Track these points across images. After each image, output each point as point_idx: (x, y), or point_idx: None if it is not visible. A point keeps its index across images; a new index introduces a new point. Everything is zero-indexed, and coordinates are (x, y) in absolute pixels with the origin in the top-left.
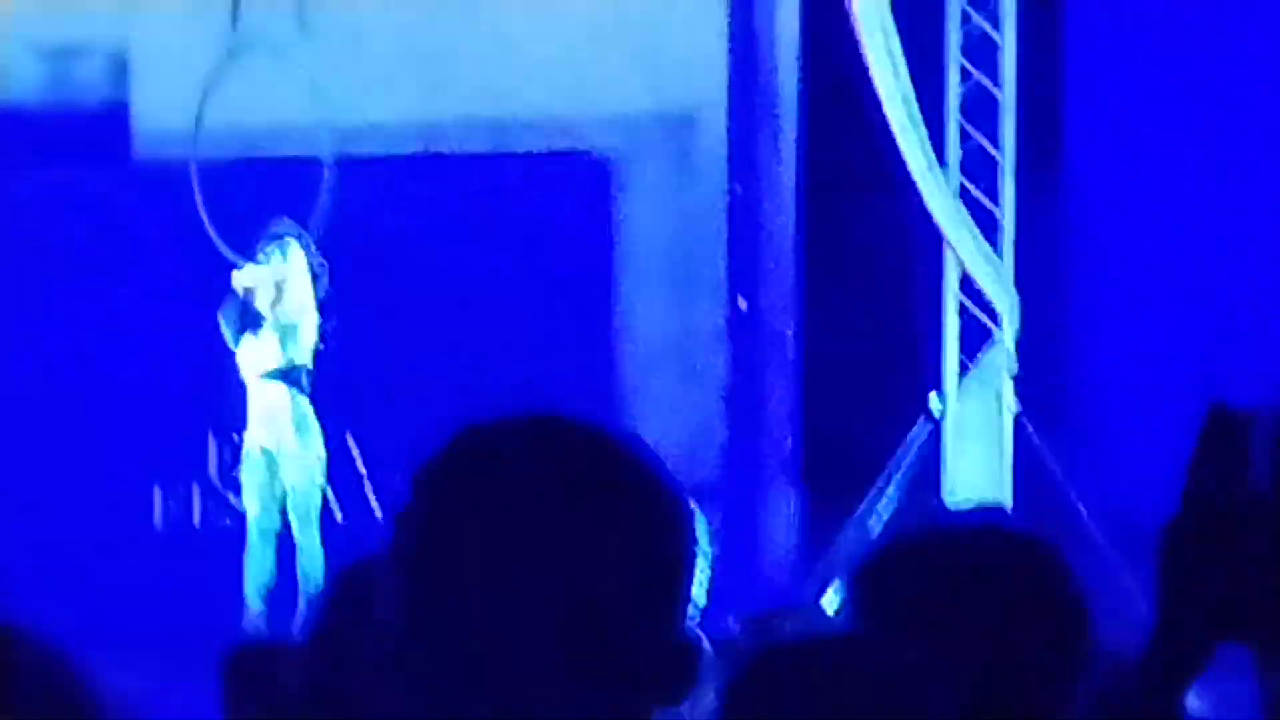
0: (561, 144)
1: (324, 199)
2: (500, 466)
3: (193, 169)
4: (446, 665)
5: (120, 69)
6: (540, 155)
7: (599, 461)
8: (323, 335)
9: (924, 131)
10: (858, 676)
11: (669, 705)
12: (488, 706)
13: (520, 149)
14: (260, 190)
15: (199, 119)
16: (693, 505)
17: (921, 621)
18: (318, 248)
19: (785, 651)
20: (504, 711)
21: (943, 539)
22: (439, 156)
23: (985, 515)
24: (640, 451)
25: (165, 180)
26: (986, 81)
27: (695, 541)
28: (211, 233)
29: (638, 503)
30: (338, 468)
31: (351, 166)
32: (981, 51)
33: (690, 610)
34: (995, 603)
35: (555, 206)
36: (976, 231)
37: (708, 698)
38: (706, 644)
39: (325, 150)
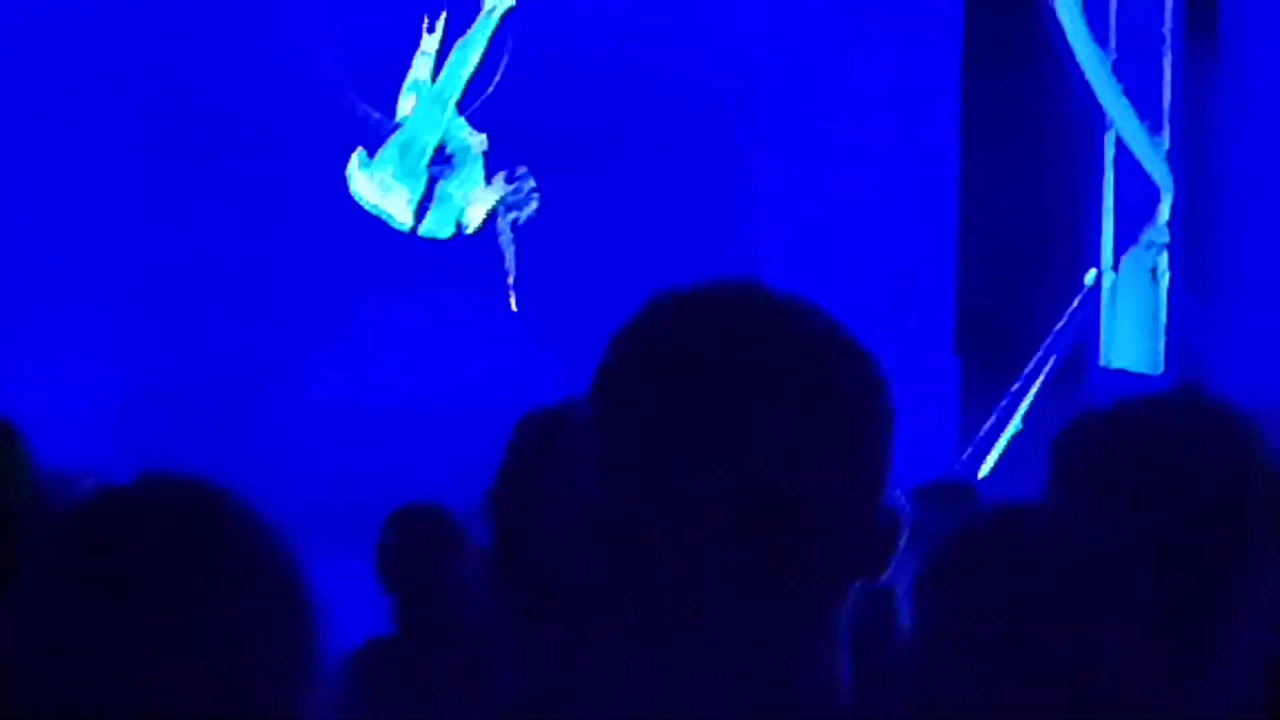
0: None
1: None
2: (698, 333)
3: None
4: (641, 529)
5: None
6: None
7: (795, 329)
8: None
9: (1083, 5)
10: (1058, 548)
11: (871, 578)
12: (682, 572)
13: None
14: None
15: None
16: (882, 375)
17: (1118, 492)
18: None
19: (985, 523)
20: (698, 579)
21: (1141, 410)
22: None
23: (1181, 388)
24: (834, 320)
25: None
26: None
27: (891, 410)
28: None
29: (835, 371)
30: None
31: None
32: None
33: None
34: (1193, 475)
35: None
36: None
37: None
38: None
39: None
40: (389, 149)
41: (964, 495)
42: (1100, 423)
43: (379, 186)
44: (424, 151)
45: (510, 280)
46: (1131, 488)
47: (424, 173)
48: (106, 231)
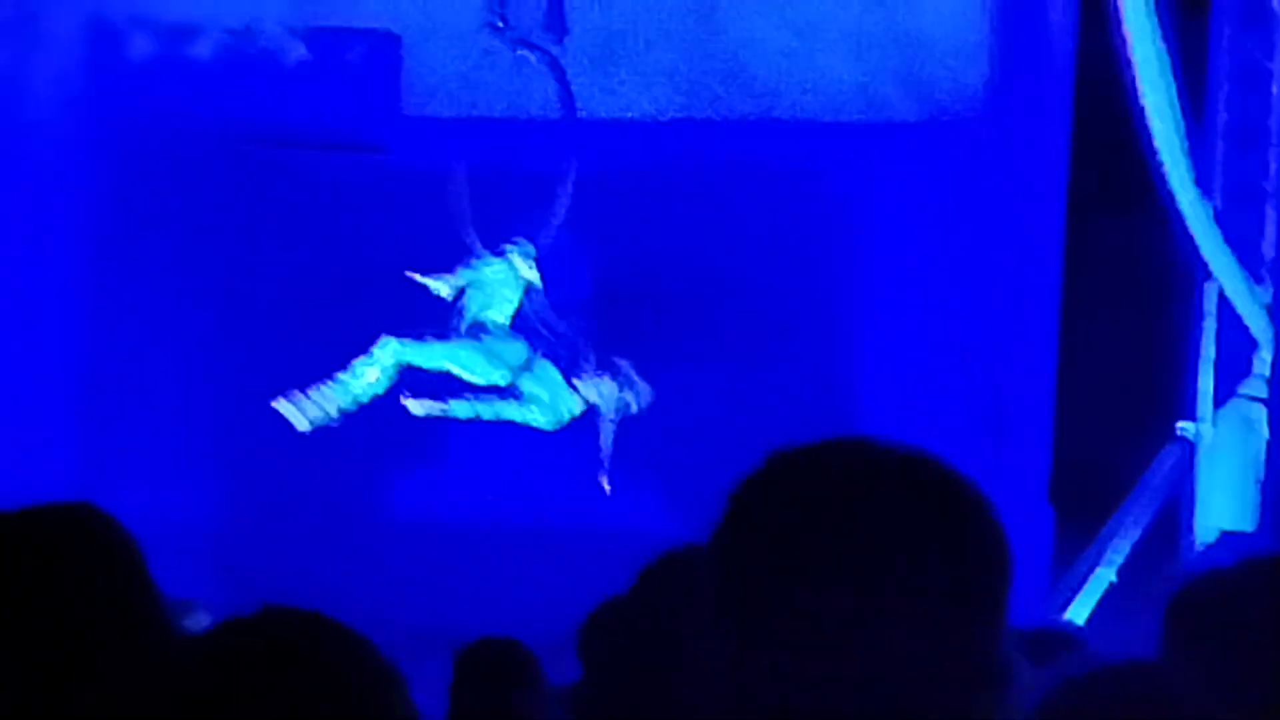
0: (823, 155)
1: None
2: (817, 490)
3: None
4: (768, 668)
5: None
6: (805, 169)
7: (917, 480)
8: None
9: (1188, 156)
10: (1170, 709)
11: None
12: (808, 708)
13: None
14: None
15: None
16: (1006, 537)
17: (1236, 655)
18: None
19: (1102, 684)
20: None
21: (1262, 572)
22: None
23: None
24: (956, 475)
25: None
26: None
27: (1011, 561)
28: (469, 232)
29: (959, 522)
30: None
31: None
32: (1252, 80)
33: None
34: None
35: (806, 222)
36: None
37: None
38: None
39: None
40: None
41: (1071, 645)
42: (1219, 585)
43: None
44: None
45: (605, 461)
46: (1254, 652)
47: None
48: (204, 355)
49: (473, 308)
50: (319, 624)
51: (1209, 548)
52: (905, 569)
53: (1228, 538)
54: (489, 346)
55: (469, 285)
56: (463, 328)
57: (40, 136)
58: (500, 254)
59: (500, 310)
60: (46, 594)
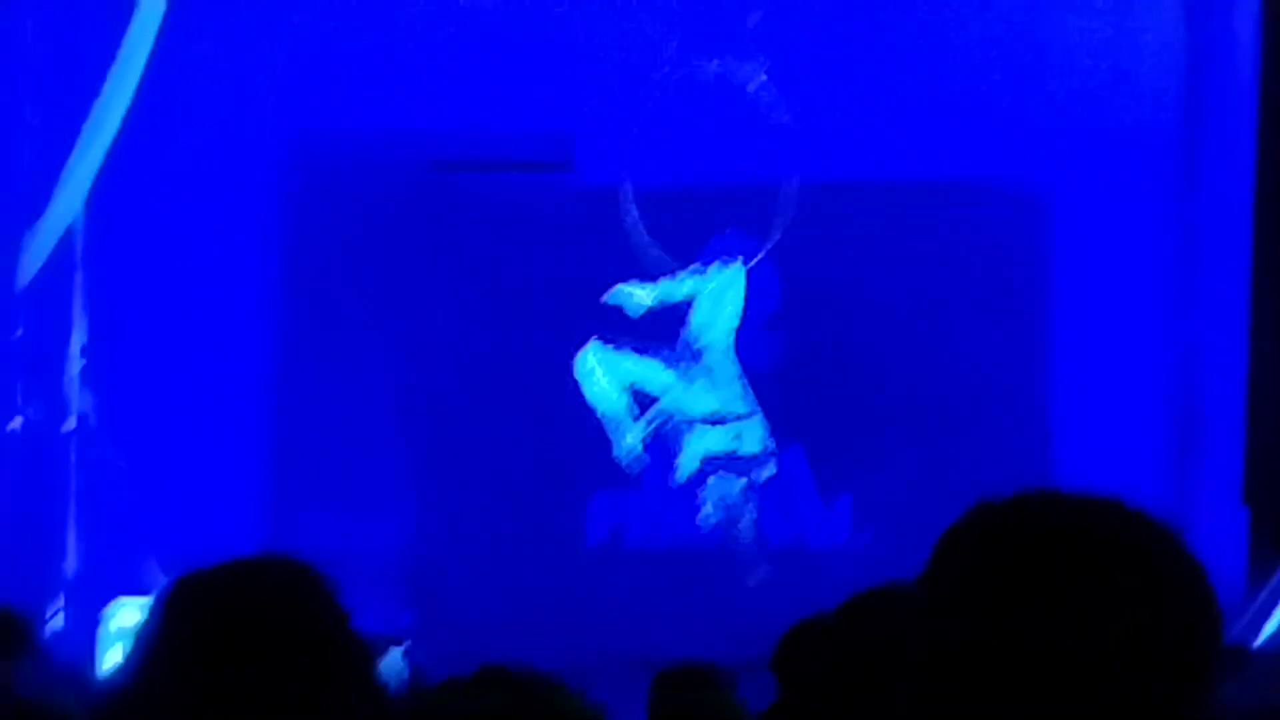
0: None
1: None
2: (1022, 550)
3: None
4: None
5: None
6: (977, 185)
7: (1128, 538)
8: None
9: None
10: None
11: None
12: None
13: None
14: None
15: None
16: (1212, 588)
17: None
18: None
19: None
20: None
21: None
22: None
23: None
24: (1163, 528)
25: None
26: None
27: (1220, 619)
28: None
29: (1169, 581)
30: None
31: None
32: None
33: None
34: None
35: (994, 237)
36: None
37: None
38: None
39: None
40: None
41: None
42: None
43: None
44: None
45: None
46: None
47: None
48: (393, 383)
49: (699, 321)
50: (538, 683)
51: None
52: (1113, 628)
53: None
54: (713, 382)
55: (696, 295)
56: (693, 344)
57: (233, 162)
58: (726, 264)
59: (726, 326)
60: (255, 653)
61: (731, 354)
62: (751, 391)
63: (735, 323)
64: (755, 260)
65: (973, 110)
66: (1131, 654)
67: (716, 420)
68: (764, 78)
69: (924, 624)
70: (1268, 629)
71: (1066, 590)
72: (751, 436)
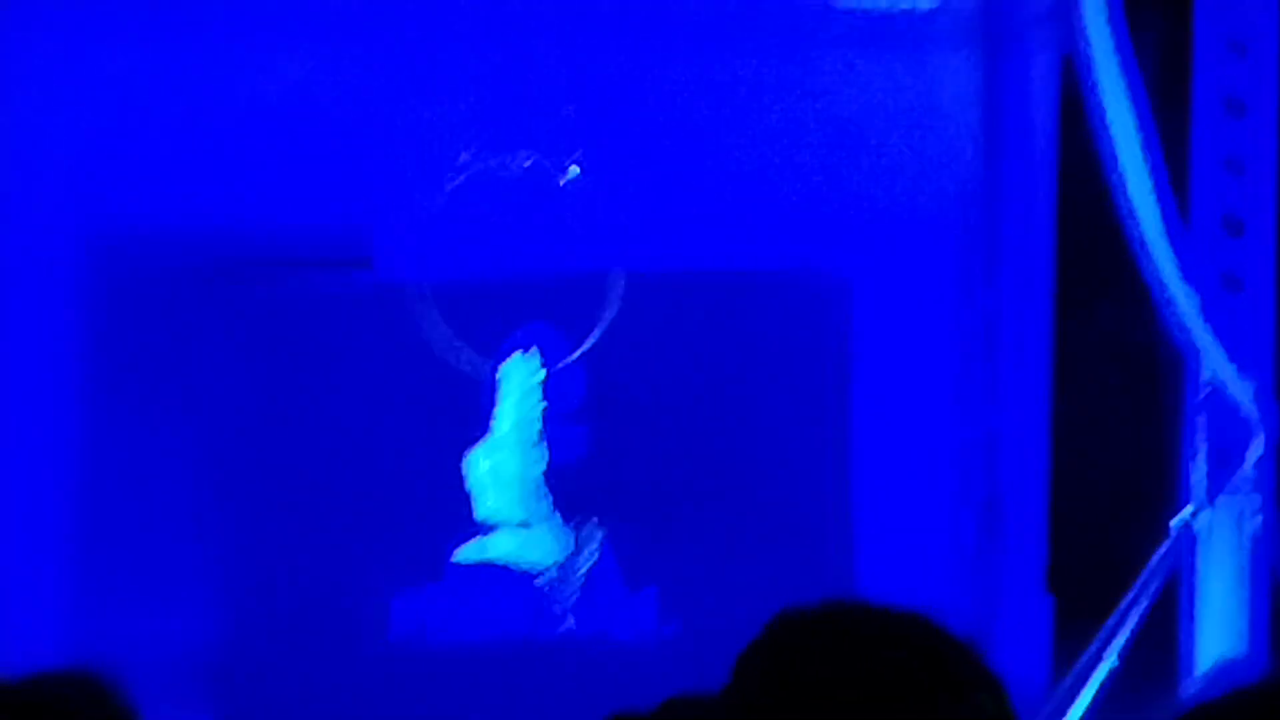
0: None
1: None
2: (824, 657)
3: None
4: None
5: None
6: (777, 273)
7: (909, 658)
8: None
9: (1174, 247)
10: None
11: None
12: None
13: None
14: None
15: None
16: (1009, 700)
17: None
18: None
19: None
20: None
21: (1259, 705)
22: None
23: None
24: (962, 642)
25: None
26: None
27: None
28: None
29: (962, 687)
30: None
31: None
32: (1235, 168)
33: None
34: None
35: (793, 326)
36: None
37: None
38: None
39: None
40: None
41: None
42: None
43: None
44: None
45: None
46: None
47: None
48: (202, 477)
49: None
50: None
51: (1207, 678)
52: None
53: (1224, 664)
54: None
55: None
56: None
57: (26, 263)
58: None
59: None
60: None
61: (518, 453)
62: (544, 497)
63: (517, 419)
64: (573, 356)
65: (777, 200)
66: None
67: (494, 524)
68: (576, 170)
69: None
70: (1075, 715)
71: (865, 709)
72: (538, 546)
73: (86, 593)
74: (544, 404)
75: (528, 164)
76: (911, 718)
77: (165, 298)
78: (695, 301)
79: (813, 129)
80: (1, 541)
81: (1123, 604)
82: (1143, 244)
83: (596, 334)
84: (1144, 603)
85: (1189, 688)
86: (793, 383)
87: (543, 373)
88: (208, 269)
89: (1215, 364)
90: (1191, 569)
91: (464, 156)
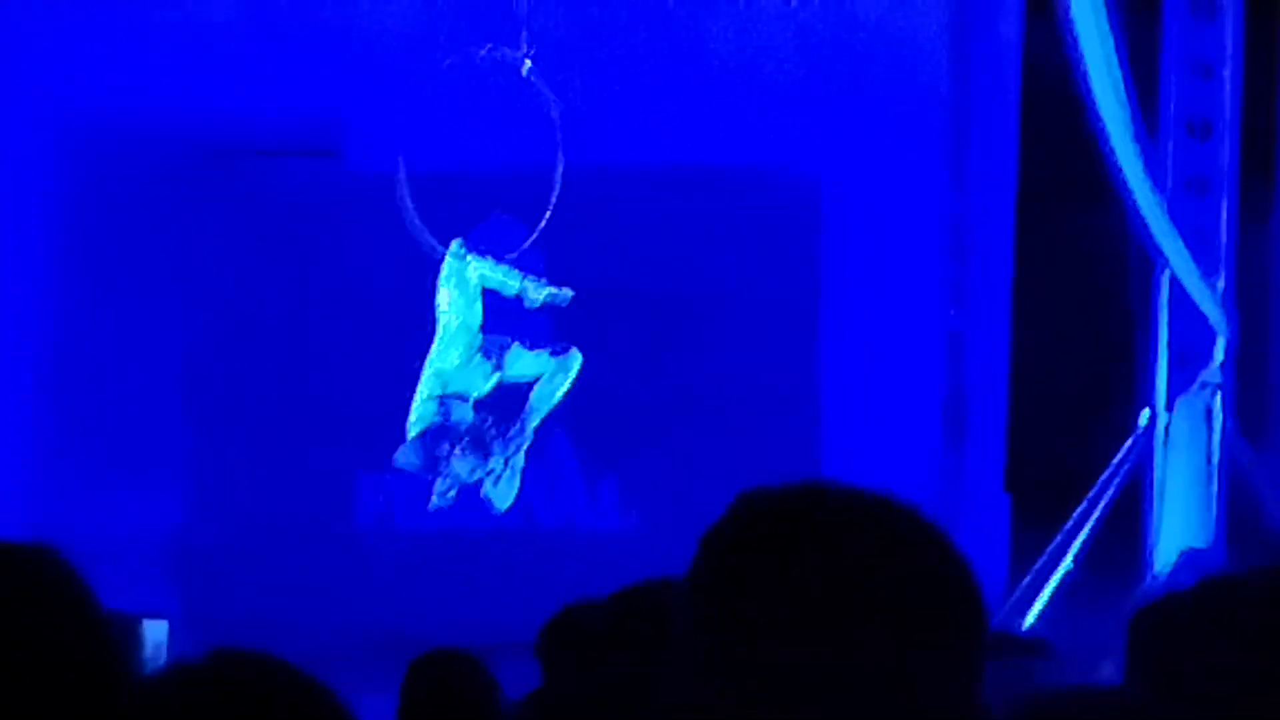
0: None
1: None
2: (788, 541)
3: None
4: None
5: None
6: (748, 171)
7: (884, 534)
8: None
9: (1140, 149)
10: None
11: None
12: None
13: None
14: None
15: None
16: (972, 573)
17: (1206, 683)
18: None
19: (1058, 703)
20: None
21: (1231, 596)
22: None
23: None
24: (926, 522)
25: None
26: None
27: (984, 611)
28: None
29: (930, 573)
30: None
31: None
32: (1202, 71)
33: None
34: None
35: (763, 225)
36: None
37: None
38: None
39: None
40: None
41: (1035, 651)
42: (1183, 609)
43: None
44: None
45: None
46: (1215, 677)
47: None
48: (167, 363)
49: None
50: (272, 668)
51: (1173, 567)
52: (878, 619)
53: (1189, 554)
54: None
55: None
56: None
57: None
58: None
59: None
60: None
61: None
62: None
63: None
64: (522, 246)
65: (744, 96)
66: (897, 647)
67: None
68: (530, 64)
69: (689, 619)
70: (1029, 616)
71: (830, 587)
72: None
73: (51, 475)
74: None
75: (496, 56)
76: (879, 597)
77: (140, 185)
78: (664, 196)
79: (785, 30)
80: None
81: (1083, 504)
82: (1109, 147)
83: (545, 220)
84: (1104, 502)
85: (1151, 582)
86: (761, 278)
87: (491, 264)
88: (181, 157)
89: (1179, 266)
90: (1151, 468)
91: (440, 55)
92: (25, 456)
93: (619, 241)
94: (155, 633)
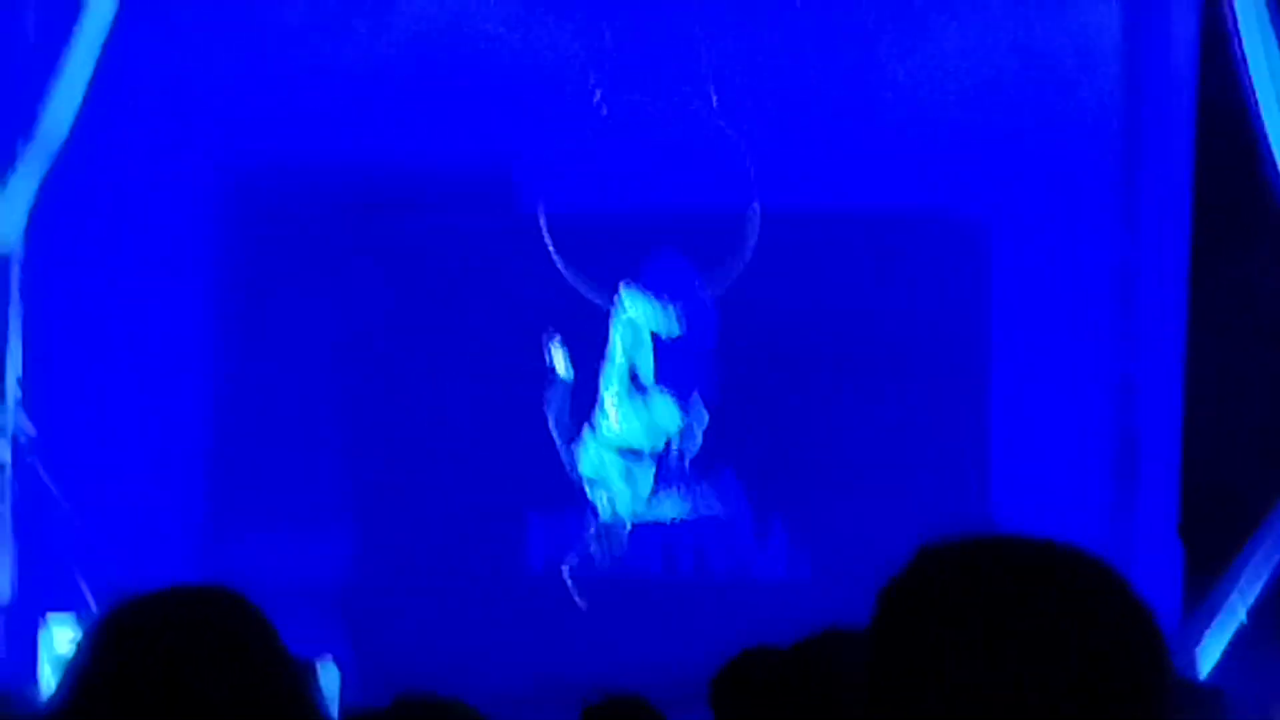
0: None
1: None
2: (968, 595)
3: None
4: None
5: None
6: (919, 217)
7: (1066, 587)
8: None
9: None
10: None
11: None
12: None
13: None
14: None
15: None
16: (1156, 621)
17: None
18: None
19: None
20: None
21: None
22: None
23: None
24: (1110, 571)
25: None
26: None
27: (1170, 663)
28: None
29: (1115, 625)
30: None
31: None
32: None
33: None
34: None
35: (932, 269)
36: None
37: None
38: None
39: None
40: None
41: (1210, 701)
42: None
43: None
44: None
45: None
46: None
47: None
48: (331, 406)
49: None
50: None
51: None
52: (1062, 673)
53: None
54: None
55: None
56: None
57: (172, 190)
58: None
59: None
60: (187, 686)
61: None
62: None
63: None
64: (712, 292)
65: (914, 141)
66: (1083, 701)
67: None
68: (713, 105)
69: (871, 672)
70: (1204, 664)
71: (1013, 640)
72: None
73: (221, 519)
74: (670, 340)
75: (670, 102)
76: (1061, 650)
77: (305, 233)
78: (836, 240)
79: (955, 74)
80: (141, 466)
81: (1256, 555)
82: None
83: (734, 270)
84: (1277, 555)
85: None
86: (930, 325)
87: (668, 309)
88: (348, 204)
89: None
90: None
91: (598, 94)
92: (193, 500)
93: (792, 286)
94: (327, 676)
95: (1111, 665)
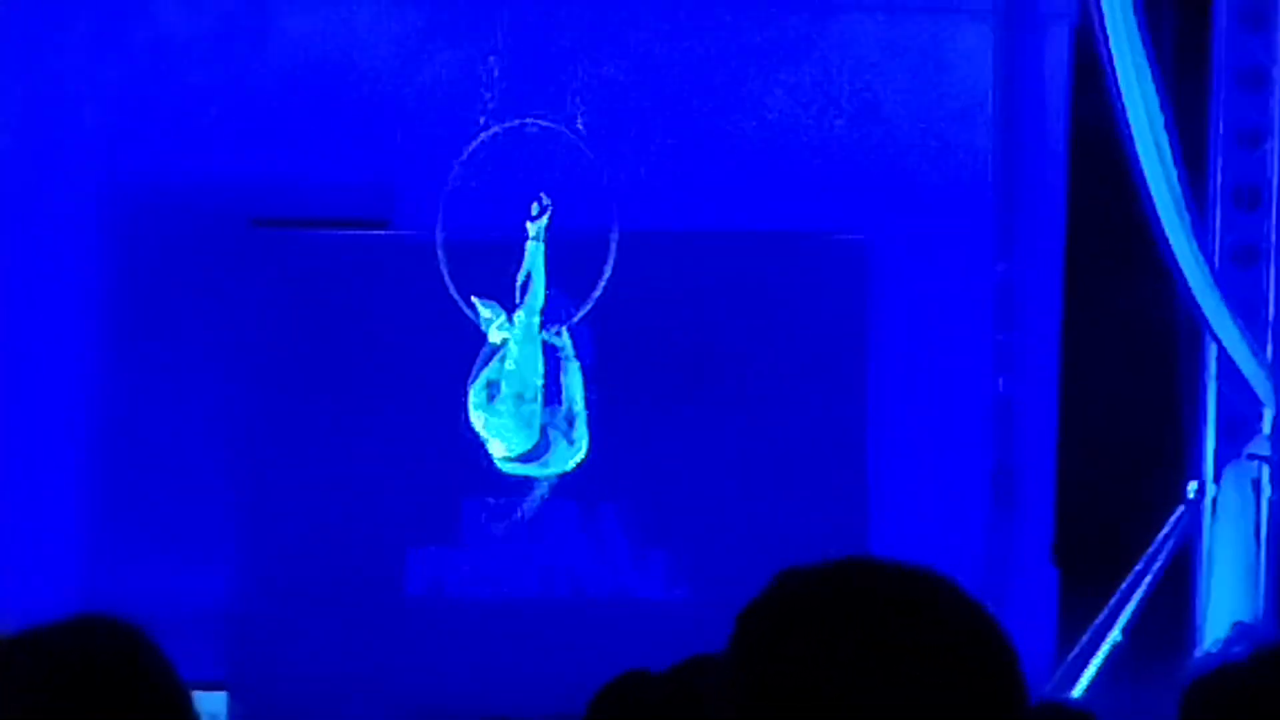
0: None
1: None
2: (828, 620)
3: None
4: None
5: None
6: (795, 236)
7: (919, 609)
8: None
9: (1187, 216)
10: None
11: None
12: None
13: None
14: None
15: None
16: (1018, 665)
17: None
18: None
19: None
20: None
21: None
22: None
23: None
24: (965, 597)
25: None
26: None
27: (1022, 682)
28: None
29: (966, 647)
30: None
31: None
32: (1251, 139)
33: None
34: None
35: (809, 292)
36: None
37: None
38: None
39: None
40: (505, 400)
41: None
42: (1238, 681)
43: (495, 434)
44: (536, 398)
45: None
46: None
47: (538, 423)
48: (219, 432)
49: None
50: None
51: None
52: (913, 698)
53: (1241, 627)
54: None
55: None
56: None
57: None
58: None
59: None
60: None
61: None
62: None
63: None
64: (574, 319)
65: (791, 162)
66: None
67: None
68: (581, 129)
69: (725, 695)
70: (1078, 687)
71: (865, 664)
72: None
73: (101, 546)
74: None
75: (545, 126)
76: (915, 675)
77: (185, 253)
78: (710, 262)
79: (829, 95)
80: (20, 488)
81: (1130, 576)
82: (1155, 216)
83: (597, 292)
84: (1152, 574)
85: (1202, 654)
86: (807, 346)
87: (545, 334)
88: (228, 224)
89: (1226, 336)
90: (1199, 540)
91: (482, 119)
92: (74, 527)
93: (665, 309)
94: (212, 704)
95: (963, 693)
